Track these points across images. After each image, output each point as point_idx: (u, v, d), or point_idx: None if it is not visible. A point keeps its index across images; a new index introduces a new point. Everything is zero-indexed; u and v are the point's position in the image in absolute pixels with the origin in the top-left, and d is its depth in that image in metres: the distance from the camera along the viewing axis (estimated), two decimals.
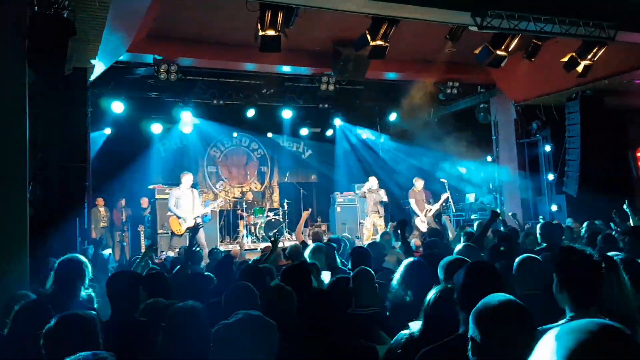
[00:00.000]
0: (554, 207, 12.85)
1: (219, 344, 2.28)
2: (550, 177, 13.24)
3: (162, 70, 10.85)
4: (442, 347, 2.32)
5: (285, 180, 16.72)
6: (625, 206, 7.47)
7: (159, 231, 12.01)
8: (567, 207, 12.41)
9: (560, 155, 12.60)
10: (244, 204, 14.54)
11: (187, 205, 10.86)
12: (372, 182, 12.48)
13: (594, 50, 8.32)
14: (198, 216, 11.01)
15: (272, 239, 6.60)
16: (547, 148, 13.29)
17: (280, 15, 7.12)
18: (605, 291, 2.66)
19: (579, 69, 8.67)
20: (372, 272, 3.91)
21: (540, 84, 11.81)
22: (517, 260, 3.66)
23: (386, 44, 7.98)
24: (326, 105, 14.37)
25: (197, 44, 10.70)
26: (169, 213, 11.01)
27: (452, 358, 2.19)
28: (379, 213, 12.29)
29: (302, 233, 9.52)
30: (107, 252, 9.76)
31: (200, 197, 11.85)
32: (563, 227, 7.37)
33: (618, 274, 2.94)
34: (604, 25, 7.78)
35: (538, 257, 3.81)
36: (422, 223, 11.96)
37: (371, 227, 12.11)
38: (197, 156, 16.10)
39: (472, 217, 14.17)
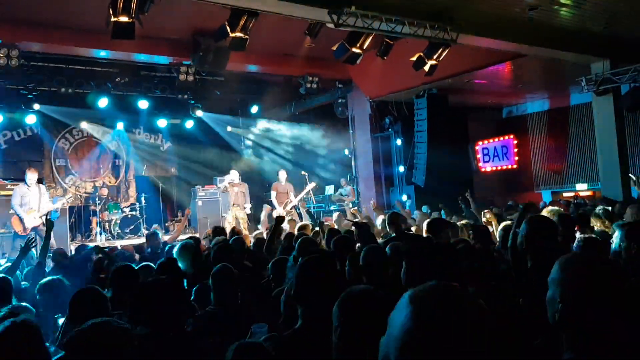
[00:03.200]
0: (404, 197, 13.73)
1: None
2: (401, 169, 14.14)
3: (1, 55, 9.84)
4: (283, 342, 2.39)
5: (143, 173, 16.00)
6: (467, 194, 8.21)
7: (0, 231, 10.93)
8: (415, 196, 13.34)
9: (410, 149, 13.49)
10: (97, 199, 13.68)
11: (33, 203, 9.97)
12: (233, 175, 12.38)
13: (439, 51, 8.97)
14: (45, 214, 10.16)
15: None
16: (398, 142, 14.17)
17: (133, 0, 6.78)
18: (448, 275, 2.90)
19: (426, 68, 9.30)
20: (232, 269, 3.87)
21: (392, 81, 12.51)
22: (363, 250, 3.80)
23: (246, 36, 7.95)
24: (185, 96, 13.98)
25: (43, 27, 9.83)
26: (12, 211, 10.05)
27: (292, 350, 2.26)
28: (240, 206, 12.22)
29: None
30: None
31: (47, 192, 10.95)
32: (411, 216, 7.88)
33: (455, 258, 3.22)
34: (447, 29, 8.43)
35: (380, 245, 4.01)
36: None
37: (233, 221, 12.01)
38: (43, 148, 14.83)
39: (332, 208, 14.68)
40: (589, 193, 15.42)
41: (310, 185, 12.50)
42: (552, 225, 3.59)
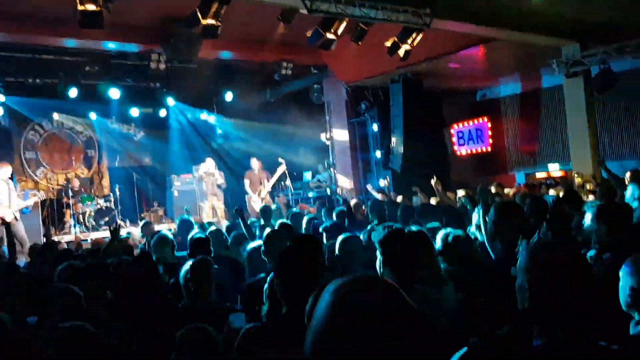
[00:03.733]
0: (381, 182, 13.78)
1: None
2: (378, 154, 14.18)
3: None
4: (268, 331, 2.40)
5: (116, 164, 15.76)
6: (433, 182, 8.28)
7: None
8: (392, 182, 13.38)
9: (386, 134, 13.53)
10: (70, 191, 13.44)
11: (3, 200, 9.76)
12: (209, 164, 12.28)
13: (413, 36, 8.99)
14: (17, 211, 9.97)
15: (112, 228, 6.20)
16: (375, 127, 14.19)
17: None
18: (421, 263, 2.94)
19: (401, 52, 9.31)
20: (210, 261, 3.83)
21: (367, 66, 12.50)
22: (339, 239, 3.80)
23: (218, 23, 7.85)
24: (157, 85, 13.76)
25: (8, 17, 9.52)
26: None
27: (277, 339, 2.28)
28: (217, 196, 12.15)
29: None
30: None
31: (17, 187, 10.73)
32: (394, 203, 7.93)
33: (429, 246, 3.26)
34: (420, 13, 8.44)
35: (359, 234, 4.03)
36: (255, 203, 12.01)
37: (210, 211, 11.95)
38: (11, 141, 14.49)
39: (310, 195, 14.68)
40: (560, 173, 15.69)
41: (280, 169, 12.43)
42: (518, 210, 3.63)
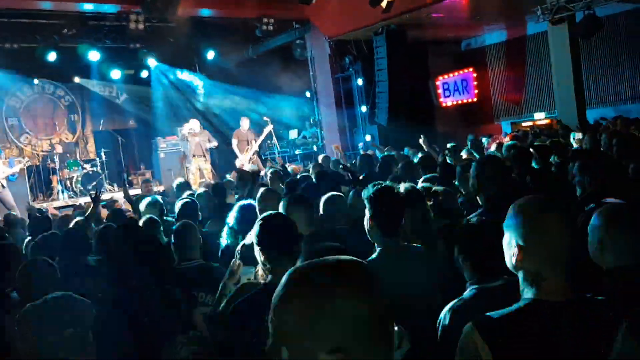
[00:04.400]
0: (367, 137, 13.80)
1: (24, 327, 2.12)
2: (364, 109, 14.12)
3: None
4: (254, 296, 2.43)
5: (100, 128, 15.59)
6: (421, 140, 8.29)
7: None
8: (379, 136, 13.40)
9: (371, 88, 13.44)
10: (55, 157, 13.33)
11: None
12: (193, 124, 12.14)
13: None
14: (3, 179, 9.91)
15: (94, 193, 6.15)
16: (359, 82, 14.08)
17: None
18: (411, 220, 2.99)
19: (383, 4, 9.19)
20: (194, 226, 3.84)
21: (350, 20, 12.31)
22: (323, 198, 3.82)
23: None
24: (137, 45, 13.46)
25: None
26: None
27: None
28: (204, 157, 12.07)
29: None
30: None
31: (1, 155, 10.63)
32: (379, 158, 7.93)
33: (423, 204, 3.30)
34: None
35: (342, 195, 4.05)
36: (241, 162, 11.97)
37: (197, 172, 11.90)
38: None
39: (297, 152, 14.68)
40: (546, 121, 15.77)
41: (268, 129, 12.35)
42: (500, 165, 3.66)
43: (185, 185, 7.57)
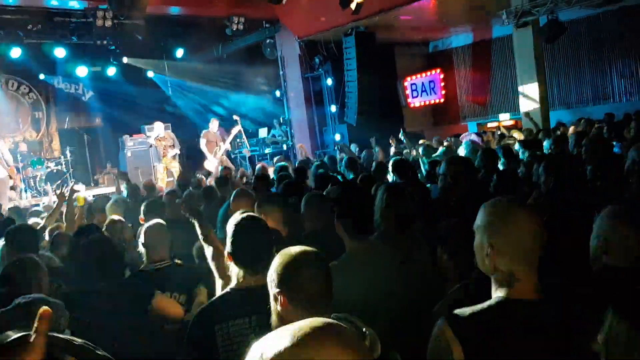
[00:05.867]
0: (337, 136, 13.89)
1: None
2: (333, 108, 14.22)
3: None
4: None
5: (66, 126, 15.28)
6: (401, 135, 8.46)
7: None
8: (348, 135, 13.51)
9: (341, 88, 13.54)
10: (19, 155, 13.01)
11: None
12: (158, 128, 12.00)
13: None
14: None
15: (58, 191, 5.99)
16: (329, 81, 14.16)
17: None
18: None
19: (353, 6, 9.27)
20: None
21: (320, 20, 12.37)
22: (304, 197, 3.83)
23: None
24: (105, 42, 13.24)
25: None
26: None
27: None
28: (174, 157, 11.97)
29: None
30: None
31: None
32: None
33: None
34: None
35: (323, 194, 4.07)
36: (210, 164, 11.93)
37: (164, 171, 11.80)
38: None
39: (267, 151, 14.67)
40: (511, 122, 16.12)
41: (235, 129, 12.28)
42: (468, 164, 3.76)
43: (150, 187, 7.54)
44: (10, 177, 10.97)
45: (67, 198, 5.52)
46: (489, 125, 16.66)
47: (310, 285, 1.81)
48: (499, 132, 10.51)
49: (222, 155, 12.00)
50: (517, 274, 1.66)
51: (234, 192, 4.40)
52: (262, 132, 15.48)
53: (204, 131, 12.35)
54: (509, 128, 14.10)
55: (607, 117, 10.91)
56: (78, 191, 5.43)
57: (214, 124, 12.34)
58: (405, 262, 2.71)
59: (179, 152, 12.21)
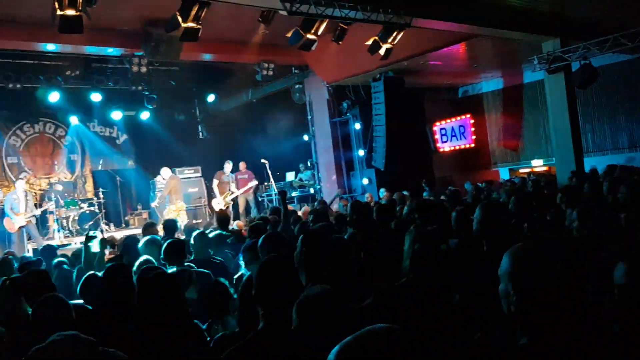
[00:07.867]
0: (365, 181, 13.81)
1: None
2: (361, 152, 14.20)
3: None
4: (246, 345, 2.33)
5: (99, 168, 15.62)
6: (423, 183, 8.37)
7: None
8: (376, 179, 13.42)
9: (369, 132, 13.55)
10: (53, 196, 13.30)
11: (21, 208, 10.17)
12: (164, 173, 12.54)
13: (394, 35, 8.99)
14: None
15: (86, 235, 6.03)
16: (357, 126, 14.20)
17: None
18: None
19: (382, 51, 9.30)
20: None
21: (348, 66, 12.49)
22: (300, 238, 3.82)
23: (198, 26, 7.78)
24: (139, 87, 13.66)
25: None
26: None
27: (256, 353, 2.23)
28: (180, 199, 12.34)
29: None
30: None
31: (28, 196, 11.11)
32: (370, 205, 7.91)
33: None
34: (401, 13, 8.45)
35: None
36: (217, 204, 12.49)
37: (170, 213, 12.04)
38: None
39: (293, 194, 14.67)
40: (544, 168, 15.84)
41: (252, 183, 12.72)
42: (504, 210, 3.65)
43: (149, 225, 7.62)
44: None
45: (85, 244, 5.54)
46: (521, 170, 16.40)
47: None
48: (530, 178, 10.31)
49: (231, 200, 12.45)
50: (541, 319, 1.65)
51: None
52: (290, 176, 15.54)
53: (218, 171, 12.78)
54: (542, 174, 13.86)
55: None
56: (95, 237, 5.42)
57: (227, 167, 12.77)
58: None
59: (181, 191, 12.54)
